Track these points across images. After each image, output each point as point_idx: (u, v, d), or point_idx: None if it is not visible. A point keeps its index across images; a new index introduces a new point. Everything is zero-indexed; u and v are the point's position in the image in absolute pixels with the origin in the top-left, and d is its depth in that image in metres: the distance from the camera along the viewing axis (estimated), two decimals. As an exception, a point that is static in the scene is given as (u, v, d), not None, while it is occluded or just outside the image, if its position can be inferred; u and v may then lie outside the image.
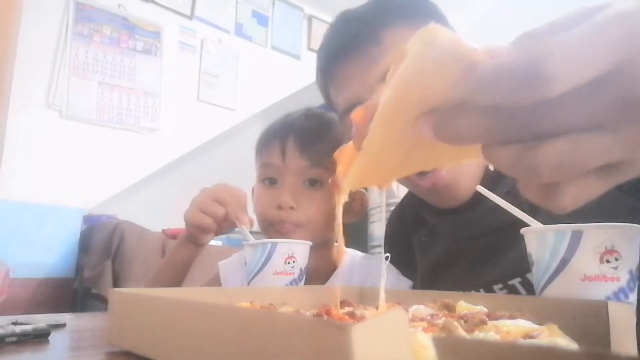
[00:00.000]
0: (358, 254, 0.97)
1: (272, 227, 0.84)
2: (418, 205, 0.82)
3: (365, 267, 0.92)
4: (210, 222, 0.78)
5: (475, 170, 0.72)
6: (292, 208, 0.83)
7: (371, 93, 0.68)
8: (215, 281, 0.94)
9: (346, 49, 0.72)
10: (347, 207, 0.88)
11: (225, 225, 0.80)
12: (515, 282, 0.66)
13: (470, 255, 0.74)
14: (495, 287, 0.68)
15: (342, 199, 0.37)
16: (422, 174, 0.69)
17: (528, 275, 0.64)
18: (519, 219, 0.52)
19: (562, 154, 0.25)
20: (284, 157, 0.84)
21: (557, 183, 0.27)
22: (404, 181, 0.76)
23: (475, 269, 0.72)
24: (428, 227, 0.83)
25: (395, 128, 0.29)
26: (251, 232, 0.78)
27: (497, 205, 0.55)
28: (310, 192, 0.84)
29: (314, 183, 0.84)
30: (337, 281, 0.90)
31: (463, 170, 0.70)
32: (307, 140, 0.84)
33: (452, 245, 0.77)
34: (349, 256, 0.95)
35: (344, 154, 0.34)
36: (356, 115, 0.31)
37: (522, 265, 0.54)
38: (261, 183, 0.88)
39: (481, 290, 0.70)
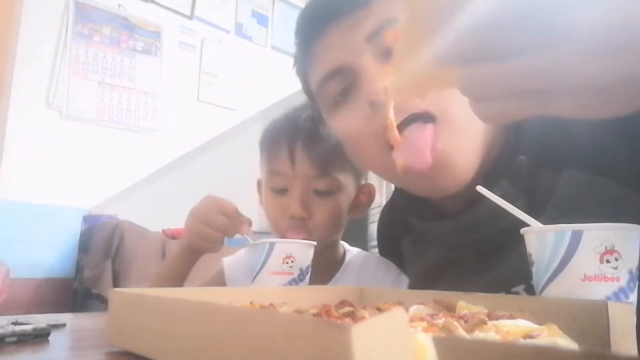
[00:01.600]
0: (362, 252, 0.98)
1: (284, 235, 0.84)
2: (406, 208, 0.76)
3: (371, 265, 0.92)
4: (211, 245, 0.79)
5: (472, 154, 0.63)
6: (303, 218, 0.83)
7: (356, 56, 0.65)
8: (219, 277, 0.94)
9: (332, 13, 0.65)
10: (355, 202, 0.89)
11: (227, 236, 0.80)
12: (519, 289, 0.62)
13: (466, 262, 0.68)
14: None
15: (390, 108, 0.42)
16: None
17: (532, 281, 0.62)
18: (517, 222, 0.50)
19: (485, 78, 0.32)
20: (294, 165, 0.83)
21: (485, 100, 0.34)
22: (396, 175, 0.66)
23: (472, 277, 0.67)
24: (415, 233, 0.79)
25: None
26: (255, 232, 0.78)
27: (492, 210, 0.53)
28: (321, 201, 0.84)
29: (324, 193, 0.84)
30: (342, 279, 0.90)
31: (458, 149, 0.62)
32: (316, 146, 0.83)
33: (444, 253, 0.72)
34: (353, 254, 0.95)
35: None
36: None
37: (525, 270, 0.51)
38: (270, 190, 0.87)
39: None
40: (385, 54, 0.61)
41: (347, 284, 0.88)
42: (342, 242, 0.97)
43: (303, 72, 0.76)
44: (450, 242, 0.70)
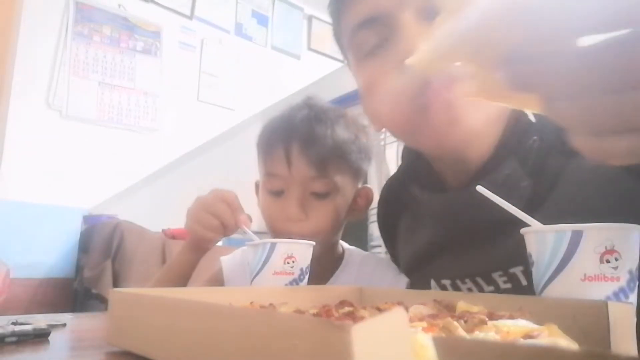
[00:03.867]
0: (361, 252, 0.98)
1: (281, 237, 0.82)
2: (410, 178, 0.74)
3: (369, 265, 0.92)
4: (211, 234, 0.79)
5: (485, 120, 0.61)
6: (300, 220, 0.82)
7: (397, 7, 0.59)
8: (218, 276, 0.94)
9: None
10: (353, 205, 0.89)
11: (227, 231, 0.80)
12: (517, 270, 0.60)
13: (463, 242, 0.66)
14: (495, 275, 0.63)
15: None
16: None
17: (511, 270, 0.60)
18: (519, 203, 0.50)
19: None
20: (290, 167, 0.82)
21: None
22: (409, 132, 0.66)
23: (468, 257, 0.65)
24: (414, 209, 0.77)
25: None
26: (255, 232, 0.78)
27: (496, 187, 0.53)
28: (318, 203, 0.83)
29: (321, 195, 0.83)
30: (340, 278, 0.90)
31: (474, 110, 0.59)
32: (312, 147, 0.82)
33: (441, 230, 0.69)
34: (351, 254, 0.95)
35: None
36: None
37: (524, 252, 0.50)
38: (267, 192, 0.87)
39: (478, 278, 0.65)
40: (430, 13, 0.56)
41: (345, 283, 0.88)
42: (340, 241, 0.96)
43: (337, 12, 0.70)
44: (448, 218, 0.67)
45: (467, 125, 0.60)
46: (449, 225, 0.68)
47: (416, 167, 0.73)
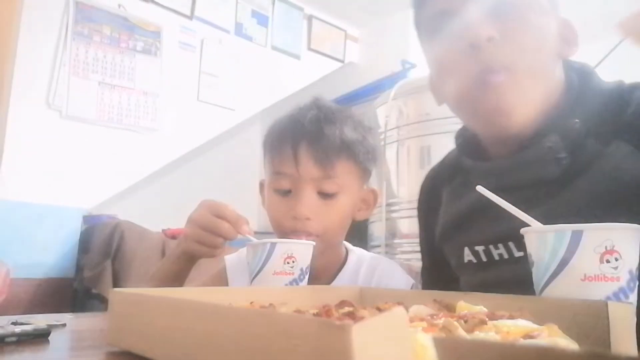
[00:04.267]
0: (365, 253, 0.97)
1: (287, 236, 0.83)
2: (461, 151, 0.80)
3: (372, 266, 0.92)
4: (217, 252, 0.78)
5: (534, 103, 0.68)
6: (308, 219, 0.82)
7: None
8: (221, 275, 0.94)
9: None
10: (359, 205, 0.89)
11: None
12: None
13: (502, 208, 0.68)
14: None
15: None
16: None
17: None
18: (559, 172, 0.58)
19: None
20: (298, 166, 0.83)
21: None
22: (469, 111, 0.74)
23: (506, 219, 0.64)
24: (460, 177, 0.81)
25: None
26: (255, 232, 0.78)
27: (538, 157, 0.63)
28: (325, 203, 0.84)
29: (329, 195, 0.84)
30: (344, 279, 0.90)
31: (525, 97, 0.67)
32: (320, 147, 0.82)
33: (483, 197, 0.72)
34: (355, 255, 0.95)
35: None
36: None
37: (554, 217, 0.53)
38: (274, 192, 0.87)
39: (510, 243, 0.68)
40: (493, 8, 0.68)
41: (349, 284, 0.88)
42: (344, 242, 0.96)
43: (418, 2, 0.77)
44: (490, 180, 0.69)
45: (512, 117, 0.66)
46: (491, 187, 0.68)
47: (468, 142, 0.79)
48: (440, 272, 0.84)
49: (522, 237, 0.63)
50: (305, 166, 0.82)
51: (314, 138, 0.83)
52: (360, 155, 0.86)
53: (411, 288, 0.88)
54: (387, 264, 0.94)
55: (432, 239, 0.86)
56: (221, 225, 0.75)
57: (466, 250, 0.75)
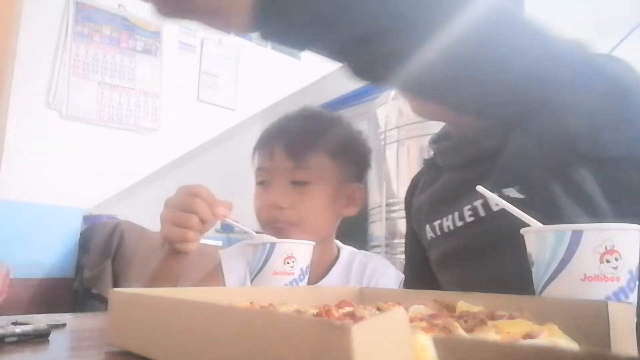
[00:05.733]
0: (356, 250, 1.00)
1: (269, 226, 0.88)
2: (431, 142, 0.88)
3: (363, 263, 0.95)
4: (191, 233, 0.76)
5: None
6: (281, 207, 0.86)
7: None
8: (217, 270, 0.94)
9: None
10: (348, 200, 0.91)
11: (206, 226, 0.78)
12: (513, 190, 0.70)
13: (465, 180, 0.76)
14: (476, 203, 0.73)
15: None
16: None
17: (505, 190, 0.69)
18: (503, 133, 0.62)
19: None
20: (272, 159, 0.89)
21: None
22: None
23: (453, 198, 0.77)
24: (432, 165, 0.88)
25: None
26: (257, 232, 0.78)
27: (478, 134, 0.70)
28: (297, 191, 0.88)
29: (300, 183, 0.88)
30: (334, 276, 0.91)
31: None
32: (295, 142, 0.88)
33: (451, 174, 0.82)
34: (347, 252, 0.97)
35: None
36: None
37: (518, 172, 0.66)
38: (257, 185, 0.93)
39: (456, 213, 0.76)
40: None
41: (340, 281, 0.91)
42: (336, 241, 0.98)
43: None
44: (454, 158, 0.80)
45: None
46: (457, 167, 0.80)
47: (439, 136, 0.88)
48: (421, 268, 0.89)
49: (463, 208, 0.76)
50: (279, 158, 0.88)
51: (292, 134, 0.90)
52: (337, 151, 0.90)
53: (401, 282, 0.92)
54: (378, 260, 0.97)
55: (411, 230, 0.93)
56: (195, 202, 0.74)
57: (427, 228, 0.83)
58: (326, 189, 0.90)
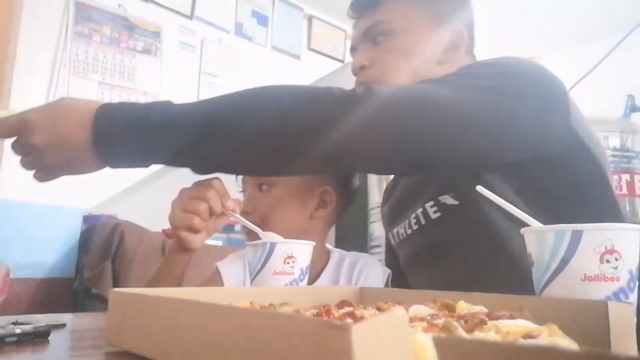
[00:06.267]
0: (345, 252, 1.02)
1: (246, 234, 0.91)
2: None
3: (352, 262, 0.96)
4: (197, 220, 0.76)
5: (404, 77, 0.80)
6: (248, 213, 0.90)
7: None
8: (216, 279, 0.94)
9: None
10: (319, 203, 0.93)
11: (214, 221, 0.79)
12: (448, 197, 0.76)
13: (407, 191, 0.85)
14: (427, 206, 0.79)
15: None
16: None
17: (441, 198, 0.76)
18: (443, 147, 0.63)
19: None
20: None
21: None
22: None
23: (415, 197, 0.82)
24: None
25: None
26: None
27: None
28: (263, 195, 0.93)
29: (266, 187, 0.93)
30: (324, 280, 0.92)
31: (390, 70, 0.82)
32: None
33: (402, 183, 0.88)
34: (337, 254, 0.99)
35: None
36: None
37: (453, 180, 0.74)
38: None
39: (412, 215, 0.81)
40: None
41: (331, 281, 0.93)
42: (327, 245, 1.02)
43: None
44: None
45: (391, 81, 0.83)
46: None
47: None
48: (397, 272, 0.95)
49: (410, 217, 0.82)
50: None
51: None
52: None
53: (387, 277, 0.95)
54: (366, 258, 1.00)
55: (387, 237, 0.99)
56: (207, 191, 0.76)
57: (390, 235, 0.89)
58: (291, 191, 0.92)
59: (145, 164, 0.65)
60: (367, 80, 0.85)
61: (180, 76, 3.10)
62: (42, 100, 2.61)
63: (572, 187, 0.68)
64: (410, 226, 0.82)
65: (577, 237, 0.44)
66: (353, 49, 0.91)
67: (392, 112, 0.61)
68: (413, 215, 0.81)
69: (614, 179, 1.92)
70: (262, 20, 3.55)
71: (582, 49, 3.43)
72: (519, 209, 0.65)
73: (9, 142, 0.69)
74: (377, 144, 0.61)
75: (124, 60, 2.87)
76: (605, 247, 0.44)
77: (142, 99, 2.92)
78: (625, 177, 1.85)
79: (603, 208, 0.70)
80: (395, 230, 0.88)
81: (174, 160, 0.65)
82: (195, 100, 0.68)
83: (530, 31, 3.66)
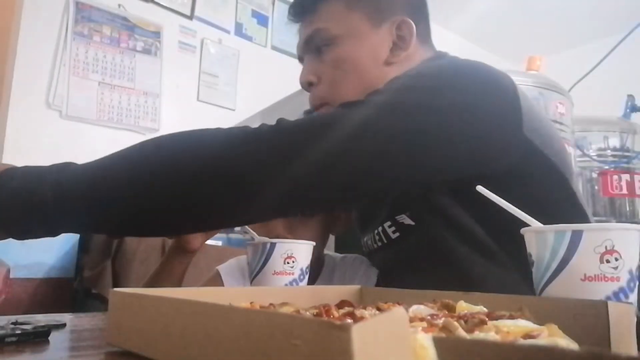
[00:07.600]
0: (337, 255, 1.02)
1: None
2: None
3: (343, 266, 0.97)
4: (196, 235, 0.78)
5: (353, 89, 0.77)
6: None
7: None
8: (216, 281, 0.94)
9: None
10: (333, 218, 0.92)
11: None
12: (405, 216, 0.75)
13: (369, 205, 0.84)
14: (385, 225, 0.78)
15: None
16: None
17: (398, 217, 0.75)
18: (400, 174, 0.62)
19: None
20: None
21: None
22: None
23: (373, 217, 0.82)
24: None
25: None
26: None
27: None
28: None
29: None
30: (322, 279, 0.93)
31: (339, 86, 0.79)
32: None
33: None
34: (329, 258, 1.00)
35: None
36: None
37: (409, 200, 0.72)
38: None
39: (375, 231, 0.81)
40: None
41: (326, 282, 0.93)
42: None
43: None
44: None
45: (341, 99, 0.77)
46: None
47: None
48: None
49: (373, 232, 0.82)
50: None
51: None
52: None
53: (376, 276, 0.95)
54: (354, 257, 1.00)
55: None
56: None
57: (362, 243, 0.90)
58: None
59: (52, 234, 0.62)
60: (318, 102, 0.82)
61: (180, 76, 3.10)
62: (42, 100, 2.61)
63: (530, 198, 0.60)
64: (374, 242, 0.82)
65: (577, 237, 0.44)
66: (300, 59, 0.87)
67: (296, 146, 0.57)
68: (376, 232, 0.80)
69: (614, 179, 1.92)
70: (262, 20, 3.54)
71: (582, 49, 3.44)
72: (472, 230, 0.65)
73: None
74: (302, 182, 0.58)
75: (124, 60, 2.87)
76: (605, 247, 0.44)
77: (142, 99, 2.92)
78: (625, 177, 1.85)
79: (567, 216, 0.67)
80: (365, 240, 0.88)
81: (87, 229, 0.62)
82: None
83: (530, 31, 3.66)
